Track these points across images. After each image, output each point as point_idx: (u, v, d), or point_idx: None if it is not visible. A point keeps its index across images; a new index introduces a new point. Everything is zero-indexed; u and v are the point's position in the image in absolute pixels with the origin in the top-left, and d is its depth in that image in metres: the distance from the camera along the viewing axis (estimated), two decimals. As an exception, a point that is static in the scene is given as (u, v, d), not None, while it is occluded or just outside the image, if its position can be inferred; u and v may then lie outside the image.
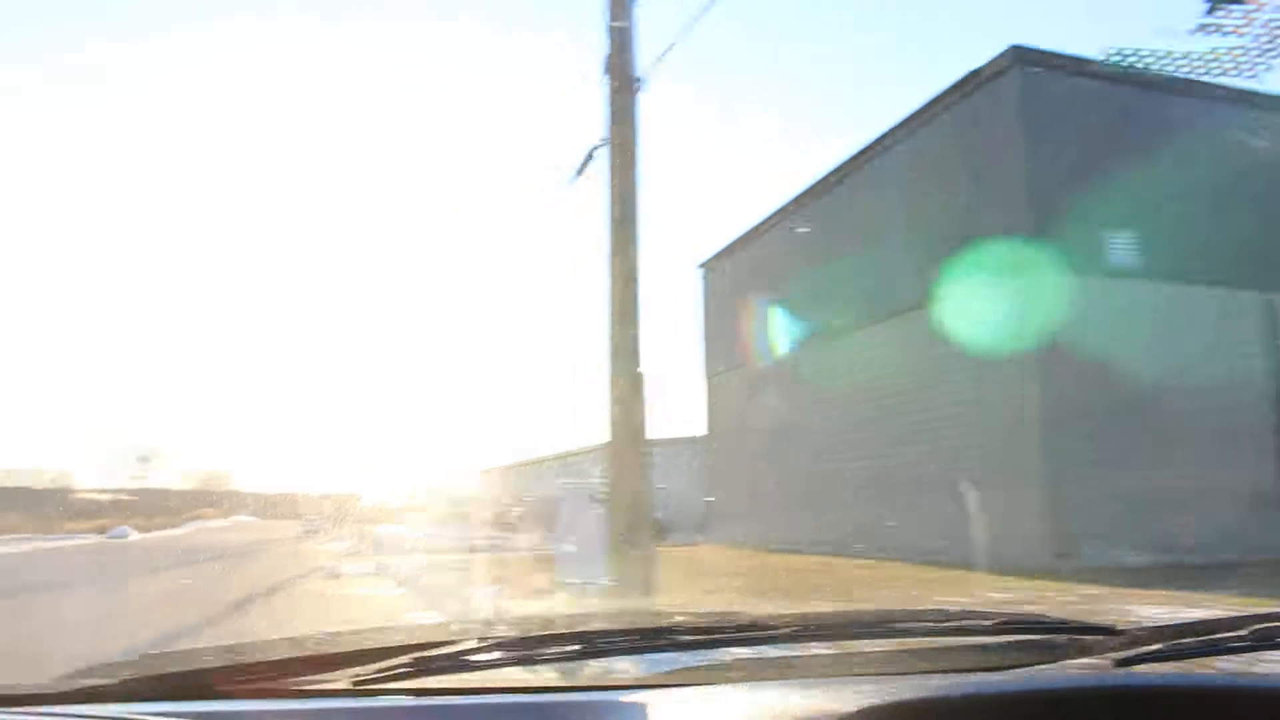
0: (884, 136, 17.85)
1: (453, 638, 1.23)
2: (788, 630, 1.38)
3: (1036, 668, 1.27)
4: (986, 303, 14.35)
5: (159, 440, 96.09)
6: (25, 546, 34.23)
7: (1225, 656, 1.33)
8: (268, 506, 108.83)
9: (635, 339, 9.08)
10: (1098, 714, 1.09)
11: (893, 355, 16.87)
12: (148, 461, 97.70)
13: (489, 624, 1.49)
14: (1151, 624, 1.51)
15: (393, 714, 1.07)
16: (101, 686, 1.12)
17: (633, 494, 8.94)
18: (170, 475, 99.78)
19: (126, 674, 1.14)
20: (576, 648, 1.24)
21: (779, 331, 21.30)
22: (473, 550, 26.55)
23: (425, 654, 1.16)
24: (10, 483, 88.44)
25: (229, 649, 1.24)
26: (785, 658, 1.40)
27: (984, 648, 1.40)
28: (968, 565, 12.47)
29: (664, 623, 1.44)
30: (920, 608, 2.01)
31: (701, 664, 1.28)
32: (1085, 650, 1.35)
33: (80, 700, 1.09)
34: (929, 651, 1.41)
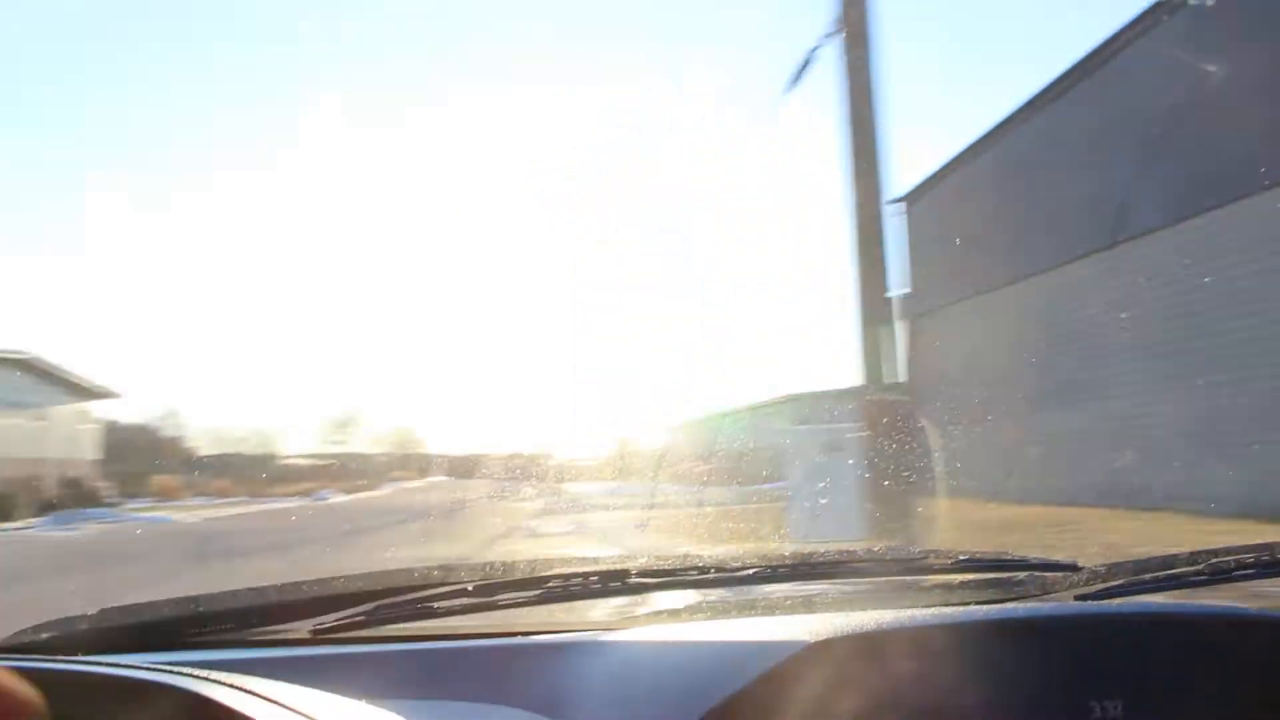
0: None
1: (413, 584, 1.23)
2: (749, 572, 1.40)
3: (996, 605, 1.26)
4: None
5: (355, 405, 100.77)
6: (237, 510, 35.67)
7: (1182, 591, 1.35)
8: (460, 467, 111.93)
9: (883, 269, 7.84)
10: (1055, 646, 1.08)
11: (1178, 269, 13.95)
12: (345, 427, 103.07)
13: (450, 569, 1.33)
14: (1112, 561, 1.55)
15: (352, 661, 1.06)
16: (61, 638, 1.13)
17: (893, 438, 7.76)
18: (366, 440, 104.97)
19: (86, 625, 1.15)
20: (537, 593, 1.25)
21: (1004, 261, 18.77)
22: (676, 506, 24.86)
23: (386, 601, 1.17)
24: (221, 449, 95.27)
25: (191, 599, 1.22)
26: (747, 599, 1.38)
27: (945, 586, 1.43)
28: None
29: (625, 566, 1.38)
30: (881, 546, 1.91)
31: (663, 608, 1.28)
32: (1046, 587, 1.39)
33: (40, 651, 1.10)
34: (890, 590, 1.45)
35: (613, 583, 1.32)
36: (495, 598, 1.23)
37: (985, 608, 1.18)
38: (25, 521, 30.14)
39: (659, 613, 1.27)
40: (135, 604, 1.22)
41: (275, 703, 0.83)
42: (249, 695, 0.84)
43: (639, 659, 1.06)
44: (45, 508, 32.54)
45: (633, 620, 1.22)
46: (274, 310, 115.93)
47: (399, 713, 0.89)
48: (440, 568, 1.36)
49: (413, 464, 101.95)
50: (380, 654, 1.10)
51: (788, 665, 0.97)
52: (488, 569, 1.35)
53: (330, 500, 49.03)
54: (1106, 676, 1.05)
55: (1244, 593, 1.41)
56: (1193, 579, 1.35)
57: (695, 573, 1.39)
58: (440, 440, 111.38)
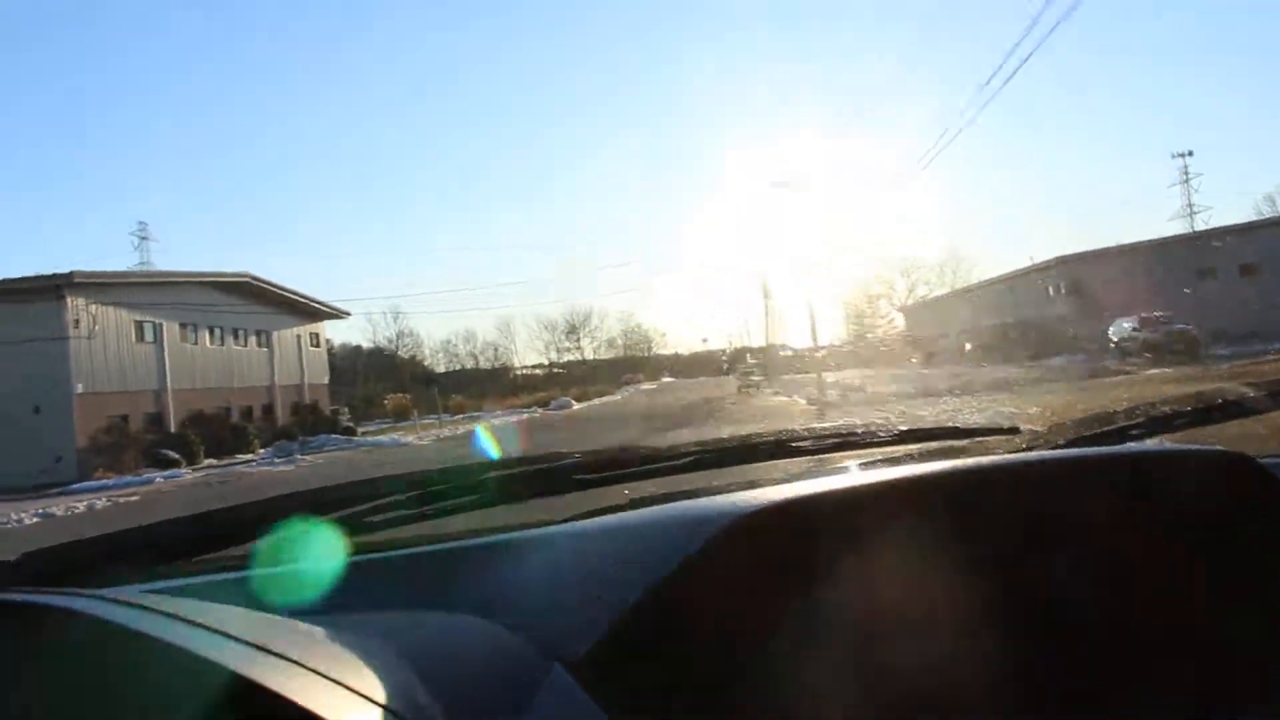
0: None
1: (356, 497, 1.23)
2: (687, 459, 1.39)
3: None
4: None
5: (583, 310, 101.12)
6: (472, 425, 33.08)
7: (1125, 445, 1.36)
8: (687, 367, 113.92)
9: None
10: (994, 499, 1.06)
11: None
12: (574, 333, 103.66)
13: (389, 480, 1.32)
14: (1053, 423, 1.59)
15: (285, 580, 1.02)
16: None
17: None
18: (593, 346, 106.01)
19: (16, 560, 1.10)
20: (472, 497, 1.25)
21: None
22: (962, 391, 22.53)
23: (320, 517, 1.14)
24: (451, 365, 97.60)
25: (121, 534, 1.18)
26: (687, 489, 1.28)
27: (889, 459, 1.40)
28: None
29: (560, 462, 1.38)
30: (825, 426, 1.86)
31: (601, 503, 1.22)
32: (988, 449, 1.40)
33: None
34: (831, 466, 1.39)
35: (549, 481, 1.32)
36: (429, 506, 1.22)
37: (917, 467, 1.14)
38: (251, 454, 27.82)
39: (598, 509, 1.19)
40: (54, 545, 1.14)
41: (181, 619, 0.75)
42: (151, 613, 0.77)
43: (574, 549, 1.02)
44: (276, 436, 30.48)
45: (567, 516, 1.18)
46: (498, 217, 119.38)
47: (329, 630, 0.84)
48: (370, 481, 1.33)
49: (641, 366, 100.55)
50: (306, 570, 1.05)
51: (721, 538, 0.93)
52: (422, 479, 1.32)
53: (567, 410, 46.33)
54: (1047, 522, 1.05)
55: (1181, 438, 1.41)
56: (1132, 431, 1.38)
57: (636, 464, 1.38)
58: (666, 340, 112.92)
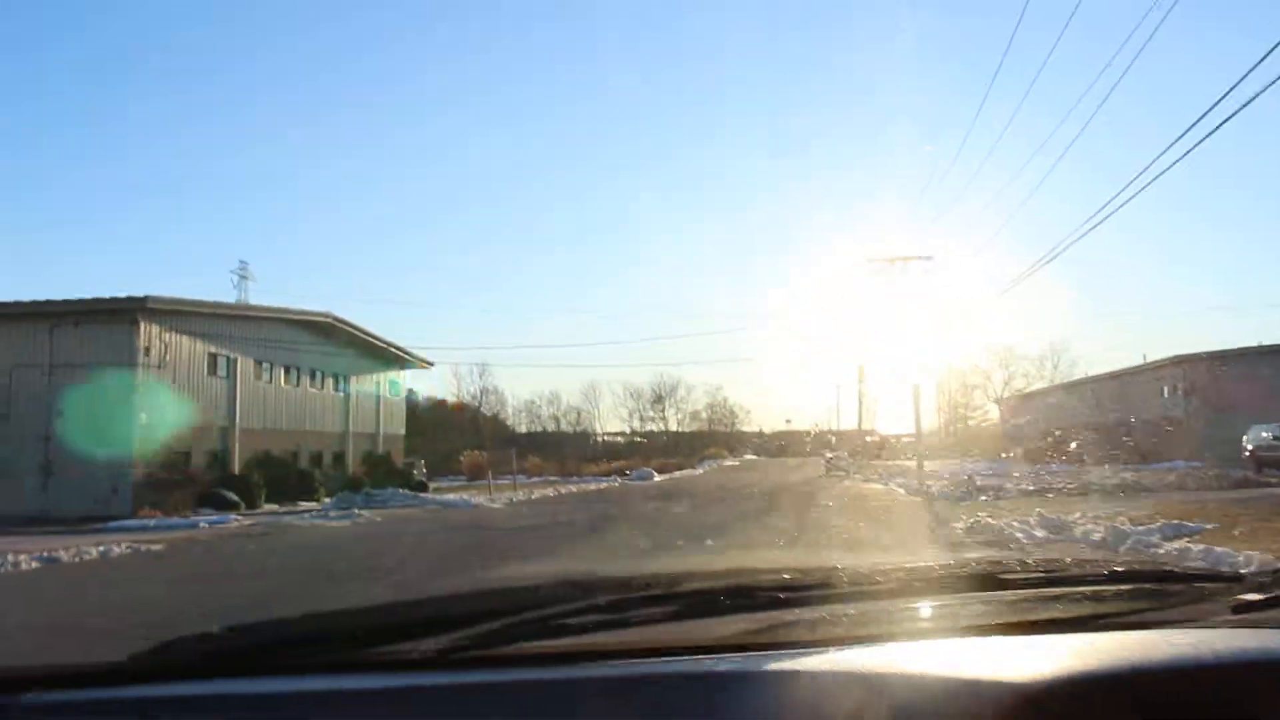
0: None
1: (545, 601, 1.21)
2: (890, 585, 1.35)
3: (1162, 630, 1.19)
4: None
5: (670, 382, 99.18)
6: (548, 490, 31.31)
7: None
8: (769, 444, 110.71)
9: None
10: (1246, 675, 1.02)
11: None
12: (659, 403, 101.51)
13: (579, 584, 1.32)
14: (1273, 569, 1.53)
15: (483, 690, 1.03)
16: (176, 661, 1.11)
17: None
18: (677, 418, 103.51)
19: (204, 648, 1.13)
20: (673, 608, 1.23)
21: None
22: (1081, 491, 20.99)
23: (514, 619, 1.14)
24: (533, 425, 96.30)
25: (312, 617, 1.21)
26: (889, 614, 1.29)
27: (1096, 597, 1.37)
28: None
29: (763, 581, 1.35)
30: (1035, 558, 1.81)
31: (801, 621, 1.23)
32: (1200, 598, 1.35)
33: (155, 677, 1.09)
34: (1041, 603, 1.35)
35: (747, 599, 1.29)
36: (629, 613, 1.20)
37: (1161, 638, 1.13)
38: (314, 502, 25.95)
39: (795, 625, 1.21)
40: (255, 622, 1.18)
41: None
42: None
43: (785, 688, 1.00)
44: (343, 485, 28.81)
45: (768, 637, 1.17)
46: (591, 282, 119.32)
47: None
48: (572, 583, 1.33)
49: (723, 441, 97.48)
50: (512, 680, 1.05)
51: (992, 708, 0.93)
52: (623, 584, 1.33)
53: (649, 481, 44.17)
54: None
55: None
56: None
57: (836, 587, 1.35)
58: (750, 417, 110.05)
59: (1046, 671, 0.96)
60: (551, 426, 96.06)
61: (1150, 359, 45.83)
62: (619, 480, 39.65)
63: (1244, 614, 1.25)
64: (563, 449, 75.58)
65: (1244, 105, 10.44)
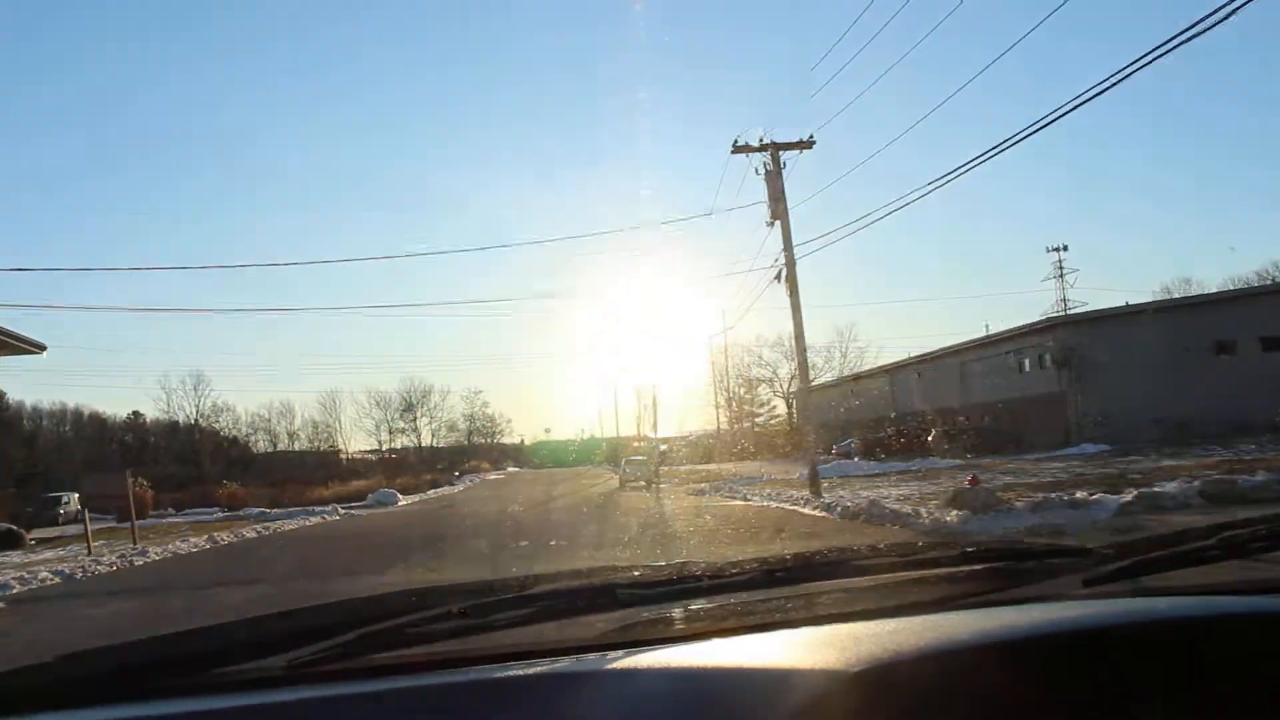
0: None
1: (395, 610, 1.18)
2: (746, 577, 1.36)
3: (1006, 608, 1.23)
4: None
5: (418, 388, 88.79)
6: (196, 541, 21.66)
7: (1195, 568, 1.33)
8: (530, 457, 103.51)
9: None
10: (1067, 649, 1.05)
11: None
12: (410, 411, 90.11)
13: (432, 591, 1.29)
14: (1119, 540, 1.54)
15: (336, 703, 1.00)
16: (13, 691, 1.07)
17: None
18: (432, 427, 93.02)
19: (38, 679, 1.09)
20: (527, 611, 1.20)
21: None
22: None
23: (367, 630, 1.11)
24: (270, 445, 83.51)
25: (157, 640, 1.15)
26: (746, 605, 1.31)
27: (949, 578, 1.39)
28: None
29: (617, 579, 1.34)
30: (886, 543, 1.82)
31: (658, 618, 1.24)
32: (1052, 573, 1.37)
33: None
34: (893, 587, 1.38)
35: (607, 597, 1.27)
36: (484, 619, 1.17)
37: (1001, 615, 1.17)
38: None
39: (655, 623, 1.23)
40: (93, 648, 1.12)
41: None
42: None
43: (643, 686, 1.01)
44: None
45: (628, 634, 1.19)
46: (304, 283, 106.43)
47: None
48: (424, 590, 1.29)
49: (485, 453, 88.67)
50: (365, 692, 1.01)
51: (808, 701, 0.94)
52: (474, 589, 1.30)
53: (389, 508, 35.04)
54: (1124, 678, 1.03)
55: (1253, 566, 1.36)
56: (1206, 555, 1.34)
57: (690, 581, 1.34)
58: (511, 427, 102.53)
59: (899, 653, 0.99)
60: (295, 445, 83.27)
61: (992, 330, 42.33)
62: (338, 514, 29.53)
63: (1094, 586, 1.30)
64: (306, 469, 64.93)
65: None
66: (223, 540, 20.81)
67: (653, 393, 57.12)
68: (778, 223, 20.46)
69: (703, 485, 29.52)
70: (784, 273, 20.32)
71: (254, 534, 22.27)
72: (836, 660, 0.99)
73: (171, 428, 77.11)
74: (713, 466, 49.68)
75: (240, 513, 28.94)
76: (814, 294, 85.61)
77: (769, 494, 21.81)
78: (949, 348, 45.44)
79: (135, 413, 77.30)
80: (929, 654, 1.00)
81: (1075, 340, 35.42)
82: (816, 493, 19.12)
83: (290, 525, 24.85)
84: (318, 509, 30.02)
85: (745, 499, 22.17)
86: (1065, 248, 62.25)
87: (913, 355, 51.77)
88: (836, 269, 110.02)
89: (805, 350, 21.19)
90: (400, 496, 36.67)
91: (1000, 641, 1.02)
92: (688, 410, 78.08)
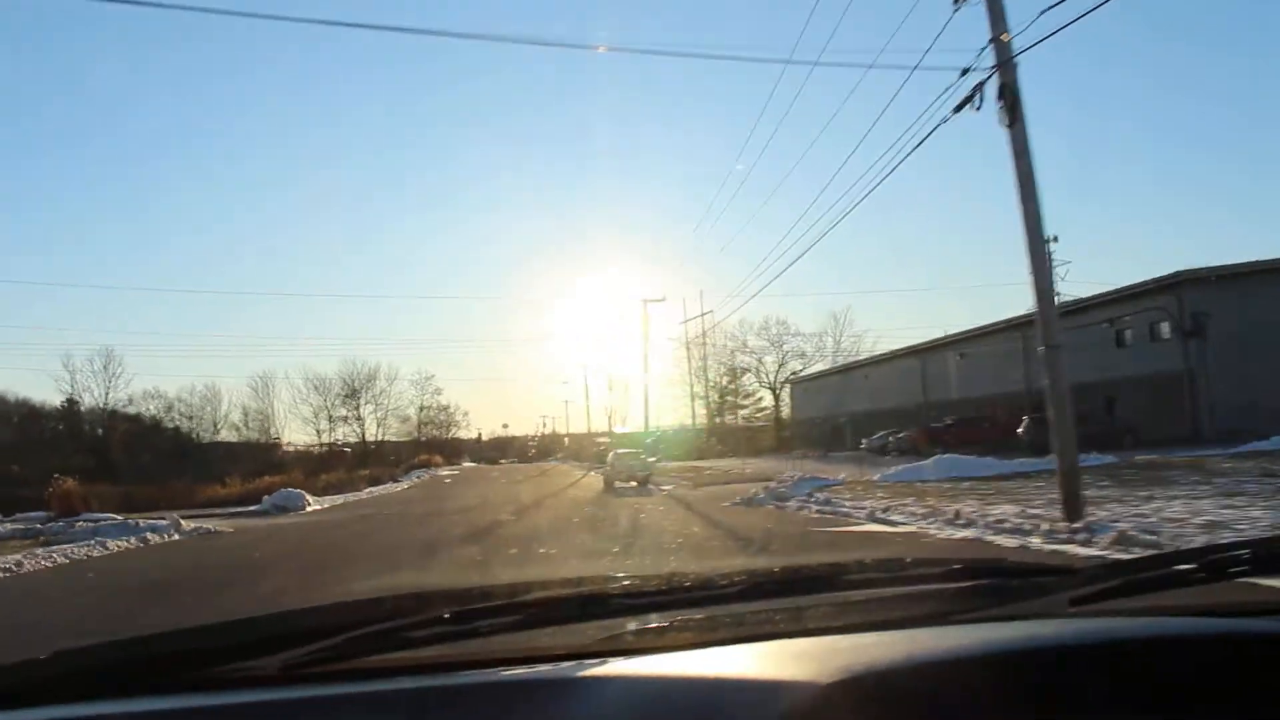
0: None
1: (386, 613, 1.19)
2: (735, 589, 1.36)
3: (988, 624, 1.23)
4: None
5: (363, 373, 78.54)
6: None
7: (1181, 590, 1.33)
8: (489, 451, 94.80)
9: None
10: (1053, 664, 1.07)
11: None
12: (354, 398, 78.33)
13: (424, 597, 1.30)
14: (1107, 562, 1.56)
15: (326, 703, 1.01)
16: (8, 684, 1.06)
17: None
18: (378, 415, 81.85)
19: (31, 674, 1.08)
20: (517, 618, 1.21)
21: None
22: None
23: (358, 633, 1.12)
24: (208, 436, 73.53)
25: (146, 639, 1.15)
26: (735, 616, 1.31)
27: (937, 595, 1.39)
28: None
29: (608, 588, 1.38)
30: (873, 558, 1.76)
31: (648, 627, 1.25)
32: (1040, 592, 1.37)
33: None
34: (881, 603, 1.37)
35: (598, 606, 1.29)
36: (473, 624, 1.17)
37: (979, 627, 1.18)
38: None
39: (644, 633, 1.23)
40: (89, 645, 1.12)
41: None
42: None
43: (631, 694, 1.02)
44: None
45: (618, 642, 1.19)
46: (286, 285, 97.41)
47: None
48: (414, 595, 1.30)
49: (438, 448, 78.92)
50: (357, 693, 1.03)
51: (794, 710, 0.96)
52: (465, 595, 1.31)
53: (286, 518, 25.03)
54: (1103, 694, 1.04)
55: (1241, 589, 1.36)
56: (1191, 578, 1.35)
57: (680, 592, 1.35)
58: (468, 419, 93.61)
59: (879, 665, 1.01)
60: (230, 436, 73.14)
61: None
62: (179, 529, 19.27)
63: (1081, 605, 1.30)
64: (239, 463, 55.80)
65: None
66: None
67: (645, 383, 51.45)
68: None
69: (725, 488, 22.48)
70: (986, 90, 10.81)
71: (68, 558, 13.73)
72: (819, 672, 1.00)
73: (70, 412, 67.04)
74: (703, 463, 44.26)
75: (55, 523, 19.96)
76: (802, 283, 77.86)
77: (925, 515, 12.76)
78: (1007, 320, 37.02)
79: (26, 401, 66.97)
80: (908, 667, 1.01)
81: (1207, 303, 27.27)
82: (1075, 516, 10.16)
83: (125, 544, 16.15)
84: (190, 515, 21.00)
85: (886, 521, 13.13)
86: (1055, 239, 55.14)
87: (949, 334, 43.78)
88: (826, 261, 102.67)
89: (1043, 241, 11.61)
90: (309, 500, 27.70)
91: (979, 656, 1.04)
92: (662, 404, 69.87)
